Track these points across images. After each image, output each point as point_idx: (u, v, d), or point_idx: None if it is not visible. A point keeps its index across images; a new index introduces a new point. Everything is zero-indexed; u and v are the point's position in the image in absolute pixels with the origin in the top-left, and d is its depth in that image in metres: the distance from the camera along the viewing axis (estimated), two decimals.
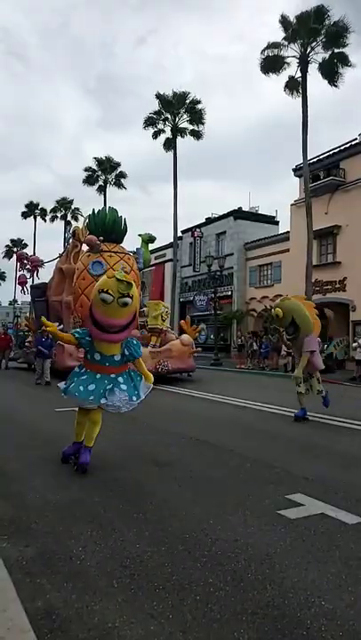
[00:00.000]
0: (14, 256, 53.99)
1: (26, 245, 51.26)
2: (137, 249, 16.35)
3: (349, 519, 3.32)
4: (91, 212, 15.98)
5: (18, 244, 52.51)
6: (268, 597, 2.32)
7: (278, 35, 20.89)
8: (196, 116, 28.07)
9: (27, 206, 47.54)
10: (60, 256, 18.65)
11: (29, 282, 20.31)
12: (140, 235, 16.94)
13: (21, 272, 20.58)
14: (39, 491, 3.88)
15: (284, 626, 2.09)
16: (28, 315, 26.63)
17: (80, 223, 18.36)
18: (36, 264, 19.85)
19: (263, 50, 20.33)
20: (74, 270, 16.05)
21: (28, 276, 20.05)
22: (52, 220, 46.22)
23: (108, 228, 15.10)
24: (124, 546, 2.87)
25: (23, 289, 20.28)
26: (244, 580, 2.48)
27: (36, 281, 20.07)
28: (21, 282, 20.44)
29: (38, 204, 47.30)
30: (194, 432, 6.39)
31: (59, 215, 45.62)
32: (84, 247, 16.82)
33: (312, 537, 3.04)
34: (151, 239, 17.18)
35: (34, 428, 6.82)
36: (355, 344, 16.09)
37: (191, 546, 2.87)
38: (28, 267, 20.11)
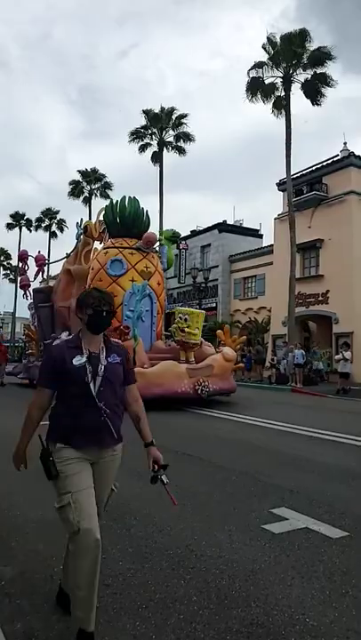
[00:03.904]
0: None
1: (10, 256, 50.82)
2: (160, 247, 14.31)
3: (333, 533, 3.33)
4: (108, 203, 13.77)
5: (2, 253, 51.91)
6: (252, 615, 2.29)
7: (261, 53, 21.45)
8: (184, 135, 28.62)
9: (12, 217, 47.18)
10: (68, 256, 16.30)
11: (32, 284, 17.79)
12: (161, 232, 15.01)
13: (23, 275, 18.04)
14: (20, 507, 3.80)
15: None
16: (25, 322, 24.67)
17: (79, 228, 15.82)
18: (41, 262, 17.81)
19: (248, 70, 20.85)
20: (84, 271, 13.93)
21: (31, 278, 17.77)
22: (37, 229, 46.00)
23: (128, 221, 13.08)
24: (107, 563, 2.81)
25: (25, 293, 17.79)
26: (228, 598, 2.45)
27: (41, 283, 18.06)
28: (23, 285, 17.86)
29: (24, 215, 47.00)
30: (179, 446, 6.35)
31: (43, 225, 45.43)
32: (97, 245, 14.70)
33: (296, 552, 3.03)
34: (175, 235, 15.15)
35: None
36: (337, 356, 16.26)
37: (175, 562, 2.84)
38: (25, 270, 17.81)
